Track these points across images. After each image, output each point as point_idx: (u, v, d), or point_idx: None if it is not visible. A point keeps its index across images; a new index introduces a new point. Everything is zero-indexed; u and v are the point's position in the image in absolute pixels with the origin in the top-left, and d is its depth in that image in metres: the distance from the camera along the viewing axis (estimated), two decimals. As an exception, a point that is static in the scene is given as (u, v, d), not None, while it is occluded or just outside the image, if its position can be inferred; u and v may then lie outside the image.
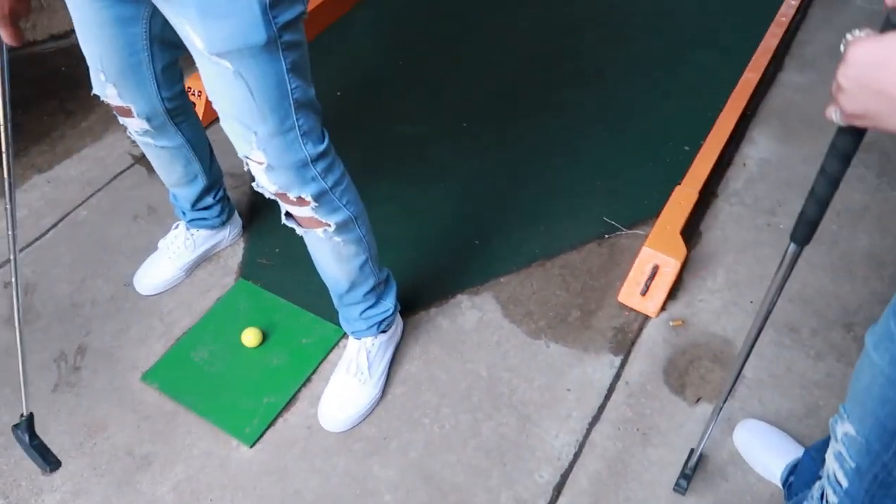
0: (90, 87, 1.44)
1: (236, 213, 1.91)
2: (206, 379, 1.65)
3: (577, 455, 1.50)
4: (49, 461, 1.29)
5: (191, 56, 1.12)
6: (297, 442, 1.54)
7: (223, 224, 1.85)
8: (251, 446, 1.54)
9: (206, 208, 1.77)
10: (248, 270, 1.88)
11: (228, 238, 1.89)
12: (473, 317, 1.76)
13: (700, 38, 2.52)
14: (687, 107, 2.27)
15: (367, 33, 2.62)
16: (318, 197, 1.23)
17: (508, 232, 1.94)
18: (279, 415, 1.59)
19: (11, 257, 1.22)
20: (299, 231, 1.34)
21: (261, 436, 1.55)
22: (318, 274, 1.80)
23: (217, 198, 1.78)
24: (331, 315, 1.75)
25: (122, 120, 1.50)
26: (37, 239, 1.99)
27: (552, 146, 2.17)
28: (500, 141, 2.20)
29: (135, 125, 1.48)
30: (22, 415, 1.30)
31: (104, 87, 1.39)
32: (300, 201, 1.22)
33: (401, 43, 2.59)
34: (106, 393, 1.64)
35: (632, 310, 1.74)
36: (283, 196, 1.23)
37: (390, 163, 2.15)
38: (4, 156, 1.13)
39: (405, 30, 2.65)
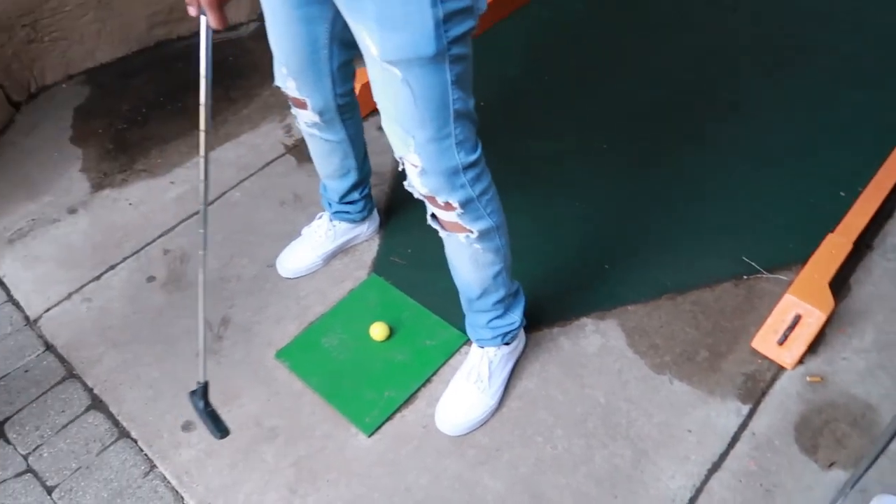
0: (271, 79, 1.55)
1: (376, 211, 1.99)
2: (333, 364, 1.73)
3: (692, 500, 1.45)
4: (220, 428, 1.39)
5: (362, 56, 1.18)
6: (413, 439, 1.59)
7: (363, 219, 1.94)
8: (369, 436, 1.60)
9: (351, 202, 1.86)
10: (381, 266, 1.95)
11: (366, 233, 1.98)
12: (596, 342, 1.75)
13: (859, 77, 2.38)
14: (843, 149, 2.14)
15: (516, 45, 2.66)
16: (465, 204, 1.26)
17: (639, 259, 1.91)
18: (398, 410, 1.64)
19: (202, 230, 1.32)
20: (442, 234, 1.38)
21: (379, 427, 1.61)
22: (447, 278, 1.85)
23: (363, 194, 1.86)
24: (455, 320, 1.79)
25: (295, 111, 1.60)
26: (195, 214, 2.16)
27: (693, 176, 2.11)
28: (639, 166, 2.17)
29: (307, 117, 1.57)
30: (198, 382, 1.40)
31: (285, 79, 1.49)
32: (447, 206, 1.26)
33: (548, 58, 2.61)
34: (243, 364, 1.76)
35: (766, 358, 1.67)
36: (432, 199, 1.27)
37: (525, 176, 2.17)
38: (203, 130, 1.23)
39: (553, 46, 2.66)
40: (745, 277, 1.84)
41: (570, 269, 1.90)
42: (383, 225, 2.05)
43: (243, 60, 2.75)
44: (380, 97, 1.18)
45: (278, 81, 1.53)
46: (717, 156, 2.17)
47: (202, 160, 1.23)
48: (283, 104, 2.52)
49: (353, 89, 1.61)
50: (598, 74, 2.51)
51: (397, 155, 1.25)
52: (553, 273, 1.90)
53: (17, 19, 2.52)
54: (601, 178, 2.14)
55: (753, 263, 1.86)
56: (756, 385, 1.63)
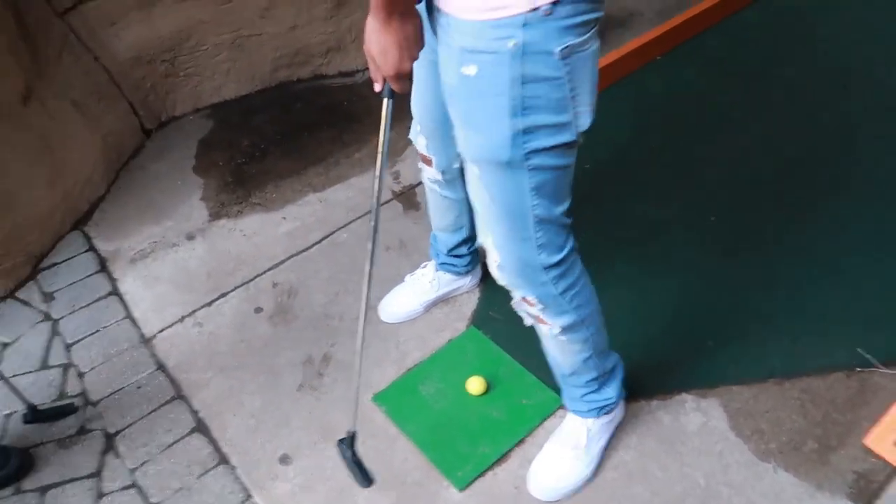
0: (407, 134, 1.62)
1: (479, 266, 2.03)
2: (429, 413, 1.75)
3: None
4: (366, 477, 1.50)
5: None
6: (504, 499, 1.58)
7: (467, 273, 1.97)
8: (461, 490, 1.60)
9: (458, 256, 1.90)
10: (480, 320, 1.98)
11: (468, 286, 2.01)
12: (697, 420, 1.70)
13: None
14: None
15: (627, 111, 2.68)
16: (545, 300, 1.26)
17: (745, 339, 1.86)
18: (490, 467, 1.64)
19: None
20: (528, 322, 1.38)
21: (471, 482, 1.61)
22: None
23: (470, 249, 1.90)
24: (552, 382, 1.78)
25: (421, 166, 1.67)
26: (304, 250, 2.25)
27: (807, 257, 2.06)
28: (749, 241, 2.13)
29: (430, 174, 1.64)
30: (348, 431, 1.50)
31: (417, 136, 1.56)
32: (526, 301, 1.27)
33: (657, 126, 2.61)
34: (341, 403, 1.80)
35: (880, 458, 1.59)
36: (513, 291, 1.29)
37: (629, 244, 2.16)
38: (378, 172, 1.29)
39: (663, 114, 2.67)
40: (858, 370, 1.77)
41: (672, 342, 1.88)
42: (483, 279, 2.08)
43: (357, 106, 2.88)
44: (468, 190, 1.23)
45: (412, 136, 1.60)
46: (834, 236, 2.11)
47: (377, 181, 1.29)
48: (393, 152, 2.61)
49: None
50: (710, 145, 2.50)
51: (478, 242, 1.27)
52: (653, 345, 1.87)
53: (159, 55, 2.73)
54: (707, 251, 2.11)
55: (868, 356, 1.79)
56: (869, 485, 1.55)
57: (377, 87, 1.11)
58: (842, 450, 1.62)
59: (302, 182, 2.53)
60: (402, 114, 2.82)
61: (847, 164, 2.36)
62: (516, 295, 1.28)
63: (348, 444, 1.50)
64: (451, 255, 1.90)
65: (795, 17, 3.11)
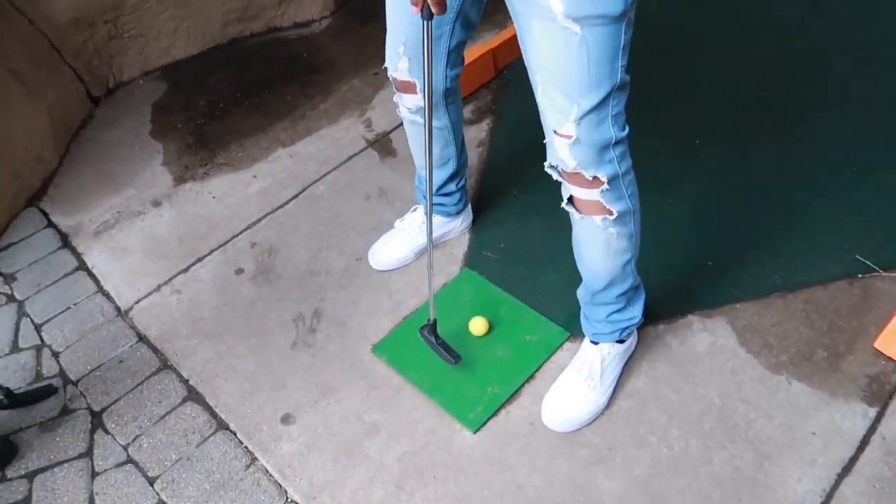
0: (382, 60, 1.51)
1: (469, 206, 1.95)
2: (433, 360, 1.68)
3: (824, 505, 1.38)
4: (452, 355, 1.59)
5: None
6: (520, 437, 1.54)
7: (458, 213, 1.89)
8: (474, 432, 1.55)
9: (447, 194, 1.82)
10: (473, 261, 1.91)
11: (459, 228, 1.94)
12: (705, 340, 1.68)
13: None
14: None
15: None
16: (611, 180, 1.23)
17: (744, 258, 1.84)
18: (502, 406, 1.59)
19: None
20: (575, 217, 1.33)
21: (484, 423, 1.56)
22: (542, 273, 1.81)
23: (459, 186, 1.82)
24: (555, 315, 1.75)
25: (399, 97, 1.56)
26: (280, 207, 2.14)
27: (793, 175, 2.03)
28: (736, 163, 2.09)
29: (412, 102, 1.54)
30: (429, 319, 1.61)
31: (398, 59, 1.45)
32: (595, 181, 1.22)
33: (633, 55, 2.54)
34: (338, 358, 1.72)
35: (890, 359, 1.58)
36: (577, 176, 1.22)
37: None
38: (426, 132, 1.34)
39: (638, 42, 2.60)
40: (859, 276, 1.76)
41: (672, 266, 1.84)
42: (474, 221, 2.00)
43: (318, 57, 2.74)
44: (546, 63, 1.14)
45: (389, 62, 1.50)
46: (817, 153, 2.08)
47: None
48: (361, 99, 2.50)
49: (459, 74, 1.57)
50: (686, 73, 2.44)
51: (550, 127, 1.20)
52: (654, 270, 1.81)
53: (99, 16, 2.54)
54: (696, 177, 2.07)
55: (868, 262, 1.78)
56: (882, 387, 1.54)
57: (415, 10, 1.13)
58: (851, 356, 1.61)
59: (269, 138, 2.40)
60: (361, 62, 2.71)
61: (822, 83, 2.33)
62: (585, 176, 1.23)
63: (430, 330, 1.62)
64: (440, 195, 1.82)
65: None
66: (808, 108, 2.24)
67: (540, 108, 1.21)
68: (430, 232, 1.54)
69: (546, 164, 1.27)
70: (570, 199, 1.30)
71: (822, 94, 2.28)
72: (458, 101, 1.63)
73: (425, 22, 1.18)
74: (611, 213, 1.27)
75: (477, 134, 2.29)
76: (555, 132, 1.20)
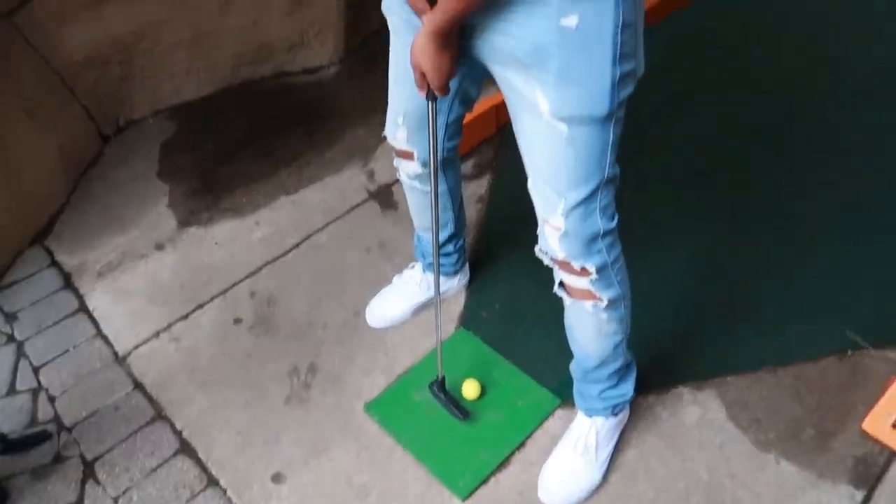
0: (381, 127, 1.56)
1: (467, 265, 1.98)
2: (424, 421, 1.70)
3: (808, 591, 1.38)
4: (461, 411, 1.65)
5: None
6: (508, 506, 1.55)
7: (455, 273, 1.92)
8: (463, 500, 1.56)
9: (445, 255, 1.85)
10: (469, 320, 1.93)
11: (456, 286, 1.96)
12: (695, 413, 1.69)
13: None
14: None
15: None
16: (600, 269, 1.25)
17: (734, 329, 1.86)
18: (492, 473, 1.60)
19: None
20: (567, 302, 1.36)
21: (473, 491, 1.57)
22: (536, 335, 1.84)
23: (457, 246, 1.85)
24: (547, 381, 1.77)
25: (399, 162, 1.60)
26: (281, 255, 2.17)
27: (788, 238, 2.06)
28: (728, 231, 2.12)
29: (410, 168, 1.58)
30: (437, 376, 1.66)
31: (397, 129, 1.49)
32: (582, 272, 1.25)
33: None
34: (331, 415, 1.74)
35: (878, 442, 1.60)
36: (566, 265, 1.25)
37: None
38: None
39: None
40: (849, 353, 1.78)
41: (662, 334, 1.86)
42: (471, 279, 2.03)
43: (324, 104, 2.80)
44: (535, 157, 1.18)
45: (388, 130, 1.54)
46: (810, 223, 2.12)
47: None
48: (365, 150, 2.55)
49: (458, 145, 1.61)
50: (683, 116, 2.49)
51: (540, 217, 1.24)
52: (644, 338, 1.84)
53: (112, 56, 2.60)
54: (690, 235, 2.10)
55: (858, 338, 1.80)
56: (869, 470, 1.56)
57: (421, 94, 1.21)
58: (840, 435, 1.62)
59: (273, 184, 2.44)
60: (367, 111, 2.76)
61: (815, 153, 2.37)
62: (574, 266, 1.26)
63: (439, 387, 1.67)
64: (439, 255, 1.84)
65: None
66: (809, 168, 2.28)
67: (531, 196, 1.25)
68: (437, 294, 1.58)
69: (537, 248, 1.30)
70: (562, 284, 1.33)
71: (824, 150, 2.32)
72: (456, 167, 1.67)
73: (429, 103, 1.23)
74: (601, 300, 1.30)
75: (477, 190, 2.33)
76: (545, 221, 1.23)
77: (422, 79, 1.16)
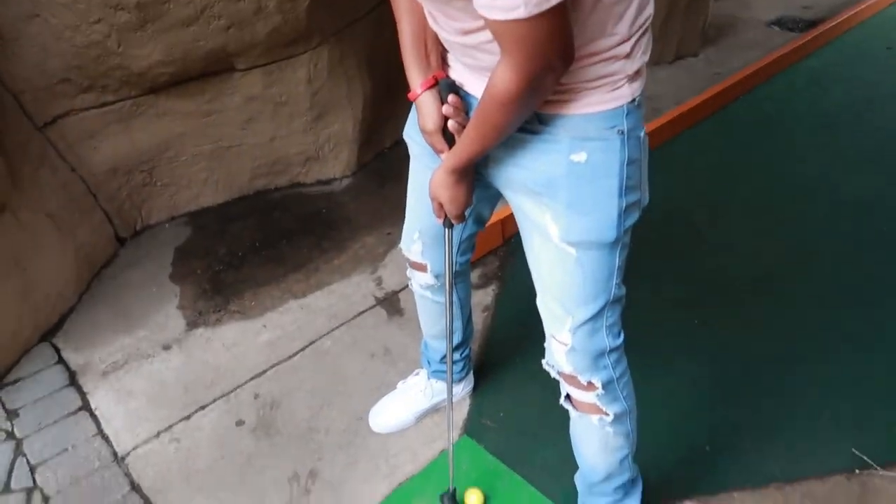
0: (397, 234, 1.64)
1: (471, 372, 1.99)
2: (424, 533, 1.66)
3: None
4: None
5: None
6: None
7: (460, 380, 1.94)
8: None
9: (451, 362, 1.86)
10: (472, 429, 1.92)
11: (460, 394, 1.97)
12: (703, 530, 1.65)
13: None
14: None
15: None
16: (606, 384, 1.27)
17: (741, 445, 1.85)
18: (494, 590, 1.54)
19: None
20: (573, 415, 1.38)
21: None
22: (540, 446, 1.82)
23: (463, 355, 1.88)
24: (552, 493, 1.73)
25: (412, 273, 1.66)
26: (286, 359, 2.19)
27: (790, 361, 2.08)
28: (736, 345, 2.15)
29: (423, 279, 1.63)
30: (449, 487, 1.66)
31: (412, 243, 1.56)
32: (589, 386, 1.27)
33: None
34: (330, 523, 1.70)
35: (891, 564, 1.55)
36: (573, 379, 1.28)
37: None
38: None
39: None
40: (857, 472, 1.76)
41: (669, 449, 1.85)
42: (475, 386, 2.04)
43: (336, 213, 2.90)
44: (544, 276, 1.24)
45: (404, 244, 1.60)
46: (817, 341, 2.14)
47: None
48: (373, 257, 2.62)
49: (469, 260, 1.68)
50: (694, 233, 2.56)
51: (548, 333, 1.28)
52: (652, 452, 1.82)
53: (136, 166, 2.73)
54: (695, 352, 2.12)
55: (865, 457, 1.78)
56: None
57: (438, 222, 1.32)
58: (851, 558, 1.58)
59: (281, 289, 2.49)
60: (376, 221, 2.86)
61: (829, 268, 2.44)
62: (580, 381, 1.29)
63: (450, 498, 1.65)
64: (444, 363, 1.86)
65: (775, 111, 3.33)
66: (803, 296, 2.33)
67: (540, 312, 1.29)
68: (450, 404, 1.62)
69: (544, 361, 1.34)
70: (568, 397, 1.35)
71: (835, 275, 2.38)
72: (467, 279, 1.73)
73: (446, 230, 1.33)
74: (607, 415, 1.32)
75: (483, 299, 2.38)
76: (552, 336, 1.27)
77: (440, 209, 1.26)
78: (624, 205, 1.13)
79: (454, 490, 1.66)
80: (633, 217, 1.17)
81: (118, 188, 2.71)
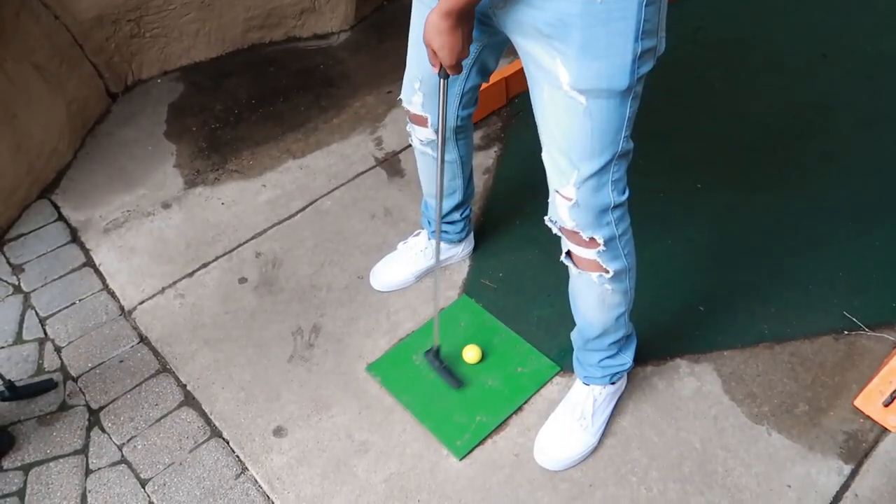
0: (398, 92, 1.57)
1: (472, 234, 2.00)
2: (424, 383, 1.73)
3: (794, 558, 1.42)
4: (456, 380, 1.69)
5: None
6: (504, 467, 1.58)
7: (460, 241, 1.94)
8: (460, 459, 1.59)
9: (451, 223, 1.86)
10: (471, 288, 1.95)
11: (460, 255, 1.98)
12: (691, 385, 1.72)
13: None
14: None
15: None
16: (608, 241, 1.27)
17: (735, 305, 1.88)
18: (489, 435, 1.63)
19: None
20: (573, 272, 1.38)
21: (470, 451, 1.60)
22: (537, 305, 1.86)
23: (463, 215, 1.87)
24: (546, 349, 1.79)
25: (412, 128, 1.61)
26: (287, 218, 2.19)
27: (789, 226, 2.08)
28: (734, 209, 2.14)
29: (424, 134, 1.59)
30: (434, 344, 1.71)
31: (413, 94, 1.50)
32: (591, 242, 1.26)
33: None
34: (333, 375, 1.77)
35: (869, 418, 1.63)
36: (575, 235, 1.27)
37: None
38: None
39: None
40: (845, 333, 1.80)
41: (663, 308, 1.88)
42: (475, 248, 2.05)
43: (334, 70, 2.79)
44: (551, 127, 1.19)
45: (404, 95, 1.54)
46: (813, 206, 2.13)
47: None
48: (373, 117, 2.55)
49: (472, 114, 1.62)
50: (691, 115, 2.49)
51: (552, 188, 1.25)
52: (645, 310, 1.86)
53: (123, 14, 2.59)
54: (694, 219, 2.12)
55: (855, 319, 1.82)
56: (858, 445, 1.59)
57: (434, 71, 1.21)
58: (832, 411, 1.65)
59: (280, 148, 2.45)
60: (376, 79, 2.76)
61: (824, 136, 2.38)
62: (583, 237, 1.28)
63: (434, 355, 1.71)
64: (444, 223, 1.86)
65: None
66: (809, 161, 2.29)
67: (545, 166, 1.26)
68: (437, 263, 1.60)
69: (546, 217, 1.32)
70: (569, 254, 1.34)
71: (824, 148, 2.33)
72: (468, 136, 1.68)
73: (441, 81, 1.24)
74: (607, 272, 1.32)
75: (484, 161, 2.34)
76: (556, 191, 1.24)
77: (434, 56, 1.17)
78: (639, 50, 1.06)
79: (439, 347, 1.71)
80: (648, 65, 1.10)
81: (105, 39, 2.59)
